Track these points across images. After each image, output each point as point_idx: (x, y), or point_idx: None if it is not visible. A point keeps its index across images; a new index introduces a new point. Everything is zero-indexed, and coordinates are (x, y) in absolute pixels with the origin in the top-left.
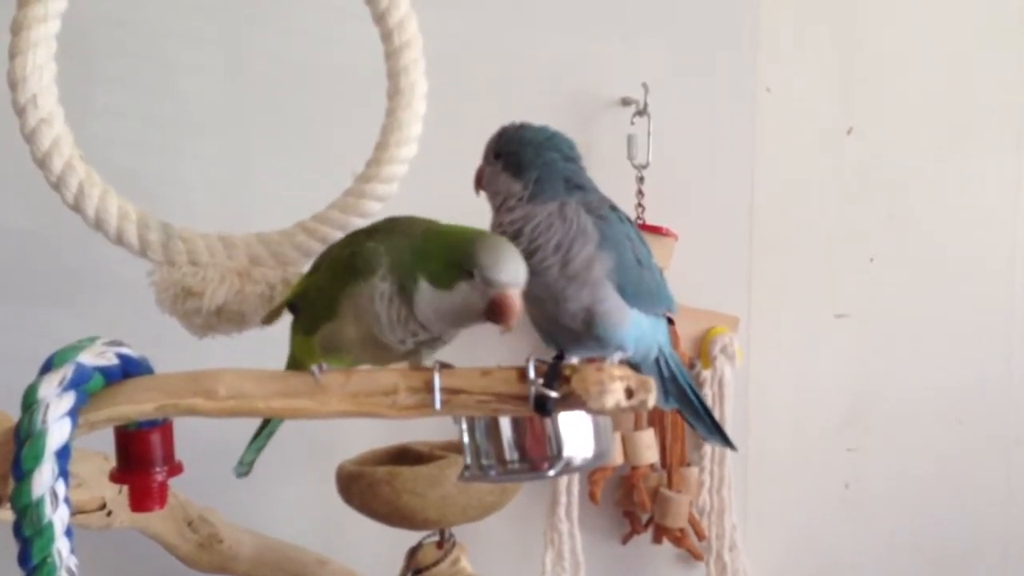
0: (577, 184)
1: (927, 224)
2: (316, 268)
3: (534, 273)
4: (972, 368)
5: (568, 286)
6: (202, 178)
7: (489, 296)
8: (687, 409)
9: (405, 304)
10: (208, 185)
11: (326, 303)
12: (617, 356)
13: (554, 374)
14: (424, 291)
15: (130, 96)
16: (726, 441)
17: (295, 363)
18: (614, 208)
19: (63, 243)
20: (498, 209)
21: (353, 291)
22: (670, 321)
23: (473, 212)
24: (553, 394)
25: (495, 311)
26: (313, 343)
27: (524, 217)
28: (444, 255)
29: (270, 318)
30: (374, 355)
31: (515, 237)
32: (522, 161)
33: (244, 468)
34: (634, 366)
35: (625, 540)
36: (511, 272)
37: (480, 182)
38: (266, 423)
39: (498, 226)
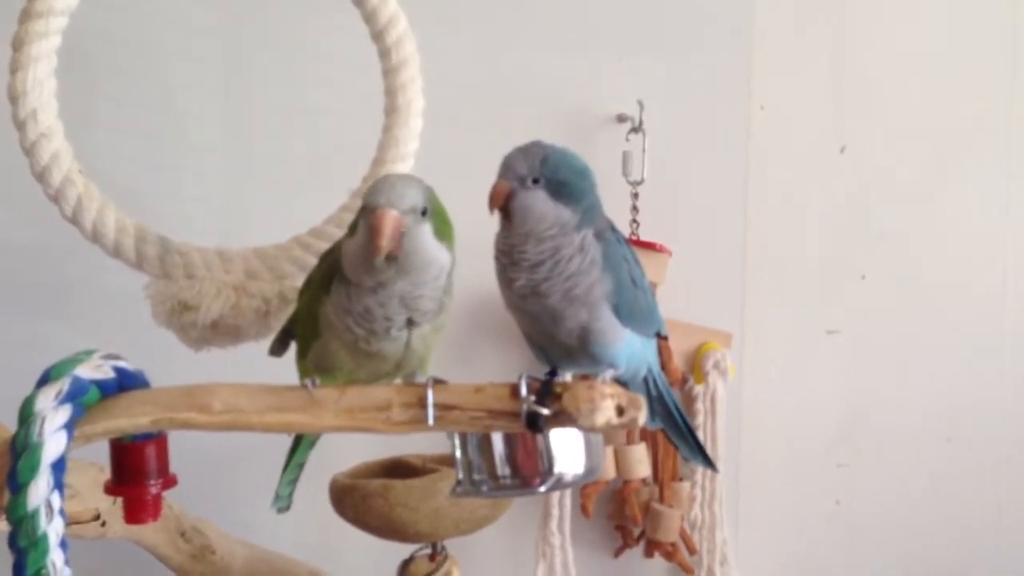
0: (600, 213)
1: (919, 242)
2: (302, 291)
3: (536, 295)
4: (962, 386)
5: (568, 307)
6: (200, 192)
7: (369, 223)
8: (671, 428)
9: (357, 294)
10: (206, 199)
11: (311, 323)
12: (609, 373)
13: (546, 391)
14: (344, 246)
15: (130, 111)
16: (708, 462)
17: None
18: (613, 229)
19: (61, 256)
20: (528, 235)
21: (325, 309)
22: (662, 338)
23: (469, 227)
24: (545, 411)
25: (369, 235)
26: (308, 364)
27: (555, 248)
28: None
29: (277, 347)
30: (369, 368)
31: (536, 266)
32: (574, 191)
33: (282, 502)
34: (623, 384)
35: (617, 554)
36: (383, 193)
37: (507, 201)
38: (293, 453)
39: (521, 254)
